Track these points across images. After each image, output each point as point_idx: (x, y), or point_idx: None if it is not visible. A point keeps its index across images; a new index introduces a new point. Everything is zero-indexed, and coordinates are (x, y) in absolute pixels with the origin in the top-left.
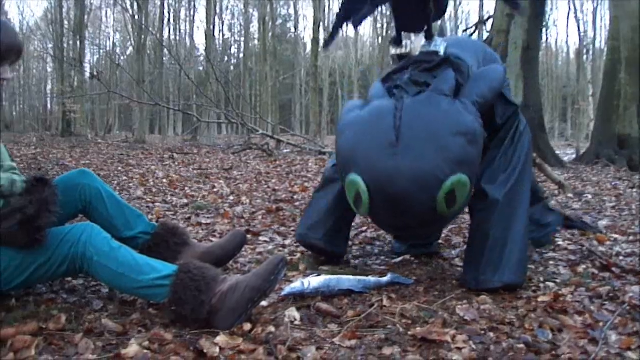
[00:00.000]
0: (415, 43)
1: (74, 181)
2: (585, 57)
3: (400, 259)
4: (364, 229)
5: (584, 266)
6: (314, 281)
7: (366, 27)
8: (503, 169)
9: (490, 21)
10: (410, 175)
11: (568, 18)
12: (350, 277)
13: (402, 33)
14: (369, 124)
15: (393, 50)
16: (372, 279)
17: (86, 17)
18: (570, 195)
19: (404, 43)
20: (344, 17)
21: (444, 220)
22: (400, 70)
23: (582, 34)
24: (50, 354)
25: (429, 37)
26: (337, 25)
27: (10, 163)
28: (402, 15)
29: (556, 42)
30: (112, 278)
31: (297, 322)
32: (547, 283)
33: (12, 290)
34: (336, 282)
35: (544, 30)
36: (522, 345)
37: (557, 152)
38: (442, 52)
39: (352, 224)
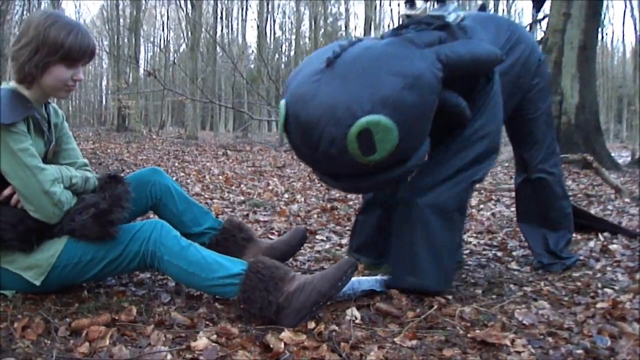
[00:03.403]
0: (428, 6)
1: (146, 179)
2: None
3: None
4: None
5: None
6: None
7: None
8: (444, 172)
9: (546, 20)
10: (324, 103)
11: (624, 16)
12: (368, 277)
13: None
14: (317, 54)
15: (404, 11)
16: (385, 277)
17: (141, 14)
18: (627, 200)
19: (417, 4)
20: None
21: (364, 171)
22: (401, 28)
23: (638, 33)
24: (123, 344)
25: (442, 1)
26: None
27: (83, 160)
28: None
29: (612, 41)
30: (182, 276)
31: (358, 321)
32: (606, 289)
33: (84, 282)
34: (358, 284)
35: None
36: (580, 351)
37: (612, 154)
38: (450, 19)
39: None
